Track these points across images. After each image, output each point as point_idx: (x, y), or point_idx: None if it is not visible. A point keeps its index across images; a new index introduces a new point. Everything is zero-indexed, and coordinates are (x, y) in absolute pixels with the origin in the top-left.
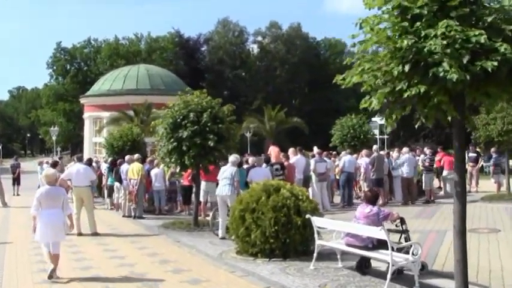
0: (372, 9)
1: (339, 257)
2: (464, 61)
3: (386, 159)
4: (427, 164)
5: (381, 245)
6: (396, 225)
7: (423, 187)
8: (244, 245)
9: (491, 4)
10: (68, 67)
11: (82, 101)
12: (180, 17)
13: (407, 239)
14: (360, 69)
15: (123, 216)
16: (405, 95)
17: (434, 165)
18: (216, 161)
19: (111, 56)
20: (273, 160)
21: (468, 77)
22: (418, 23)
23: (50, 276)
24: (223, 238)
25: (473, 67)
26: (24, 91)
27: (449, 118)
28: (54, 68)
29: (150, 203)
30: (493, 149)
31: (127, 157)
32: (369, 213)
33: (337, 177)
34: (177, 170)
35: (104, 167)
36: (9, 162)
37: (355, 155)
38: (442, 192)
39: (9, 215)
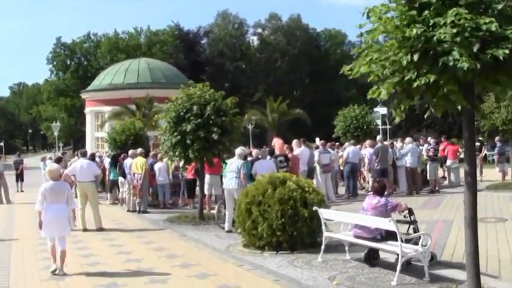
0: None
1: (346, 248)
2: (475, 49)
3: (390, 150)
4: (431, 153)
5: (389, 236)
6: (404, 216)
7: (428, 177)
8: (251, 238)
9: None
10: (68, 62)
11: (83, 95)
12: (180, 10)
13: (415, 230)
14: (368, 59)
15: (128, 210)
16: (414, 85)
17: (438, 155)
18: (220, 154)
19: (111, 50)
20: (277, 152)
21: (478, 66)
22: (426, 12)
23: (54, 272)
24: (229, 231)
25: (483, 55)
26: (25, 87)
27: (459, 107)
28: (55, 63)
29: (154, 197)
30: (497, 138)
31: (130, 151)
32: (376, 204)
33: (341, 168)
34: (181, 163)
35: (107, 162)
36: (12, 158)
37: (358, 146)
38: (446, 182)
39: (13, 212)
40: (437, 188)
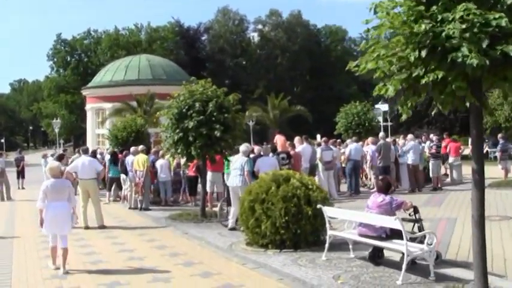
0: None
1: (351, 247)
2: (484, 45)
3: (392, 147)
4: (433, 150)
5: (394, 234)
6: (409, 214)
7: (430, 174)
8: (254, 236)
9: None
10: (69, 59)
11: (84, 92)
12: (180, 6)
13: (420, 228)
14: (375, 55)
15: (129, 208)
16: (422, 81)
17: (441, 152)
18: (223, 151)
19: (111, 47)
20: (279, 149)
21: (488, 62)
22: (434, 7)
23: (64, 272)
24: (232, 229)
25: (493, 51)
26: (25, 84)
27: (468, 104)
28: (55, 60)
29: (155, 195)
30: (500, 135)
31: (132, 148)
32: (381, 202)
33: (343, 165)
34: (183, 160)
35: (108, 159)
36: (13, 155)
37: (360, 143)
38: (448, 179)
39: (14, 209)
40: (439, 186)
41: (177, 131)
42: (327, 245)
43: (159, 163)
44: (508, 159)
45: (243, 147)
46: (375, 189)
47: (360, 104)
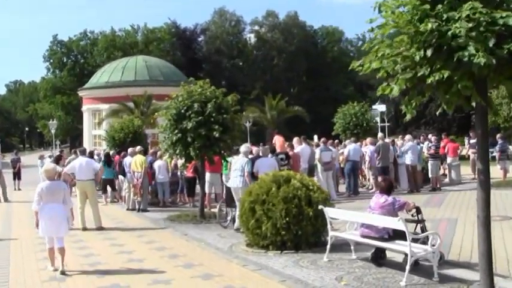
0: None
1: (352, 248)
2: (490, 44)
3: (391, 147)
4: (432, 151)
5: (397, 235)
6: (412, 215)
7: (429, 175)
8: (254, 237)
9: None
10: (65, 60)
11: (80, 93)
12: (176, 7)
13: (423, 229)
14: (379, 55)
15: (127, 209)
16: (428, 81)
17: (439, 152)
18: (221, 152)
19: (107, 48)
20: (278, 150)
21: (494, 61)
22: (439, 6)
23: (61, 271)
24: (237, 229)
25: (499, 50)
26: (21, 85)
27: (474, 104)
28: (51, 61)
29: (153, 196)
30: (498, 135)
31: (130, 149)
32: (384, 203)
33: (342, 165)
34: (181, 161)
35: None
36: (9, 156)
37: (359, 143)
38: (447, 180)
39: (11, 211)
40: (438, 186)
41: (176, 131)
42: (328, 246)
43: (157, 164)
44: (507, 160)
45: (243, 148)
46: (374, 189)
47: (357, 104)
